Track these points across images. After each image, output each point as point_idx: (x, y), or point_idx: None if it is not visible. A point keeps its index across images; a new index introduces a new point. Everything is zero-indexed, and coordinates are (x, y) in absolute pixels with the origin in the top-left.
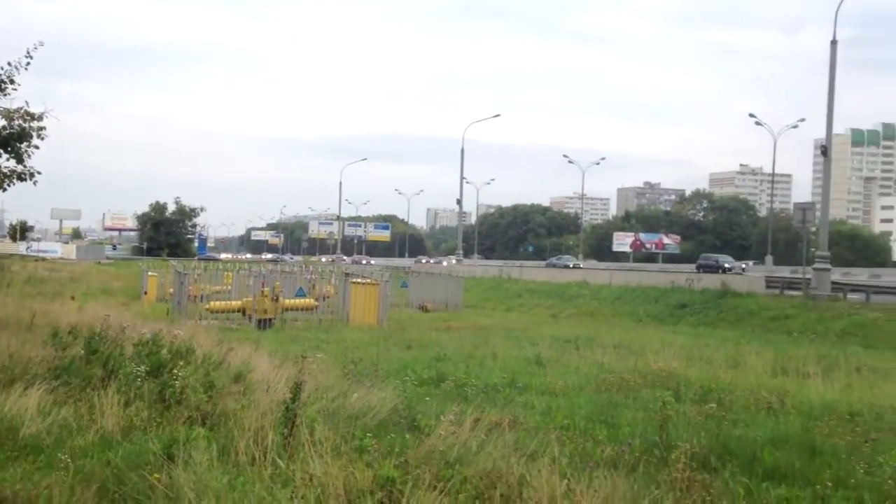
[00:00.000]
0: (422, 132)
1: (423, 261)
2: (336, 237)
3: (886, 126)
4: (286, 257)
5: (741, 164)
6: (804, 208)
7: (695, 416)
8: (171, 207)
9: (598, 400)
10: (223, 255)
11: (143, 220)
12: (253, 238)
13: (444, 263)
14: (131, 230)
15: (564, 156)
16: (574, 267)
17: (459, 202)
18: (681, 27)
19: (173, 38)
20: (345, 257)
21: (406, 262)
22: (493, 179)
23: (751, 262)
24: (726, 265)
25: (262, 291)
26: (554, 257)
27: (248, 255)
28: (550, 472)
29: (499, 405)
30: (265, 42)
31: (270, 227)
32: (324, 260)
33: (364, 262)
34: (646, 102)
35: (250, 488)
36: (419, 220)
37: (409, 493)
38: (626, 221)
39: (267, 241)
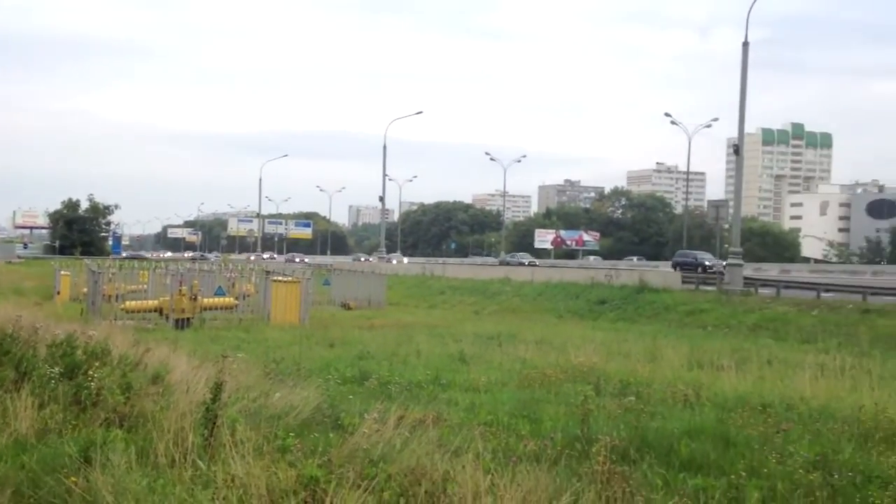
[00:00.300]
0: (344, 129)
1: (363, 258)
2: (256, 235)
3: (795, 125)
4: (211, 256)
5: (657, 163)
6: (718, 206)
7: (614, 410)
8: (85, 205)
9: (521, 395)
10: (146, 254)
11: (55, 217)
12: (170, 236)
13: (395, 262)
14: (43, 228)
15: (486, 153)
16: (529, 265)
17: (382, 199)
18: (599, 26)
19: (86, 31)
20: (276, 255)
21: (338, 259)
22: (415, 177)
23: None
24: (706, 263)
25: (180, 290)
26: (508, 255)
27: (169, 254)
28: (474, 467)
29: (423, 402)
30: (182, 36)
31: (188, 224)
32: (253, 258)
33: (298, 259)
34: (566, 101)
35: (170, 490)
36: (341, 218)
37: (333, 493)
38: (548, 218)
39: (184, 238)
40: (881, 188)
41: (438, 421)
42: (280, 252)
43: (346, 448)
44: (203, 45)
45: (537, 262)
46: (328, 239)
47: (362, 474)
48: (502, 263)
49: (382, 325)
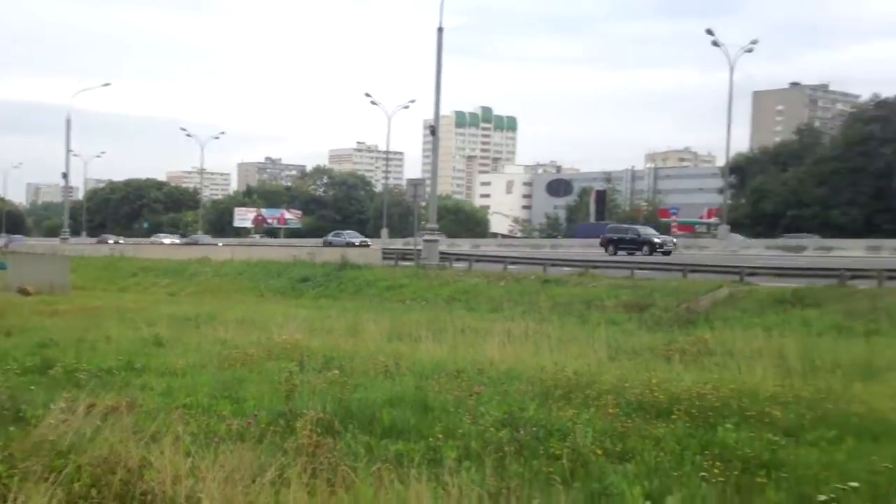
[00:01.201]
0: (20, 99)
1: (167, 241)
2: None
3: (485, 109)
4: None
5: (358, 142)
6: (415, 184)
7: (319, 384)
8: None
9: (222, 376)
10: None
11: None
12: None
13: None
14: None
15: (182, 129)
16: (361, 245)
17: (66, 176)
18: (301, 1)
19: None
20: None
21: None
22: (104, 152)
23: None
24: (655, 240)
25: None
26: (331, 234)
27: None
28: (173, 451)
29: (115, 389)
30: None
31: None
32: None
33: (112, 241)
34: (267, 77)
35: None
36: (18, 196)
37: (17, 488)
38: (248, 197)
39: None
40: (558, 169)
41: (133, 407)
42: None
43: (29, 441)
44: None
45: (370, 241)
46: (2, 219)
47: (50, 467)
48: (326, 244)
49: (67, 310)
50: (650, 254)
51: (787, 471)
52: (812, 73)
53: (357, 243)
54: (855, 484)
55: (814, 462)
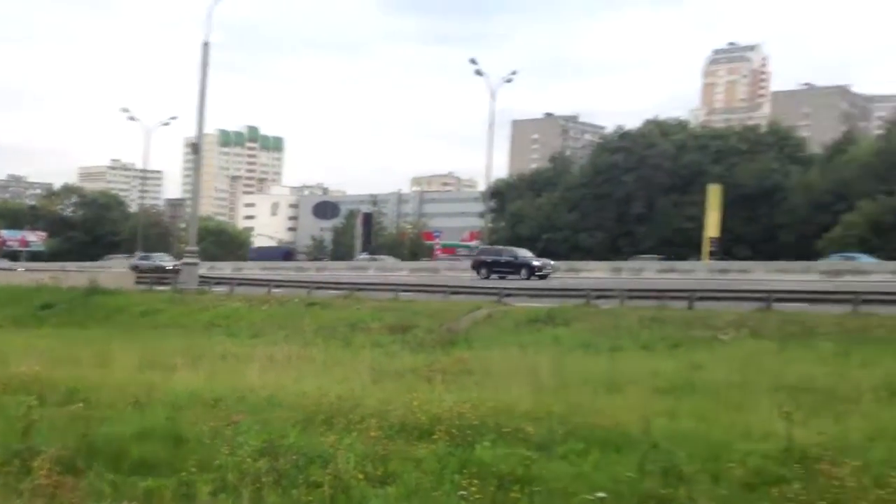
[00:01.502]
0: None
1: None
2: None
3: (251, 128)
4: None
5: (113, 160)
6: (175, 204)
7: (60, 419)
8: None
9: None
10: None
11: None
12: None
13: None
14: None
15: None
16: (174, 269)
17: None
18: (41, 9)
19: None
20: None
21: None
22: None
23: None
24: (534, 263)
25: None
26: (139, 256)
27: None
28: None
29: None
30: None
31: None
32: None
33: (19, 267)
34: (12, 87)
35: None
36: None
37: None
38: None
39: None
40: (325, 191)
41: None
42: None
43: None
44: None
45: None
46: None
47: None
48: (133, 269)
49: None
50: (528, 278)
51: (539, 484)
52: (565, 103)
53: (169, 266)
54: (602, 494)
55: (563, 474)
